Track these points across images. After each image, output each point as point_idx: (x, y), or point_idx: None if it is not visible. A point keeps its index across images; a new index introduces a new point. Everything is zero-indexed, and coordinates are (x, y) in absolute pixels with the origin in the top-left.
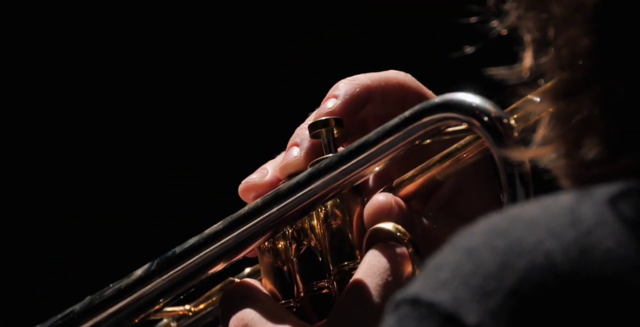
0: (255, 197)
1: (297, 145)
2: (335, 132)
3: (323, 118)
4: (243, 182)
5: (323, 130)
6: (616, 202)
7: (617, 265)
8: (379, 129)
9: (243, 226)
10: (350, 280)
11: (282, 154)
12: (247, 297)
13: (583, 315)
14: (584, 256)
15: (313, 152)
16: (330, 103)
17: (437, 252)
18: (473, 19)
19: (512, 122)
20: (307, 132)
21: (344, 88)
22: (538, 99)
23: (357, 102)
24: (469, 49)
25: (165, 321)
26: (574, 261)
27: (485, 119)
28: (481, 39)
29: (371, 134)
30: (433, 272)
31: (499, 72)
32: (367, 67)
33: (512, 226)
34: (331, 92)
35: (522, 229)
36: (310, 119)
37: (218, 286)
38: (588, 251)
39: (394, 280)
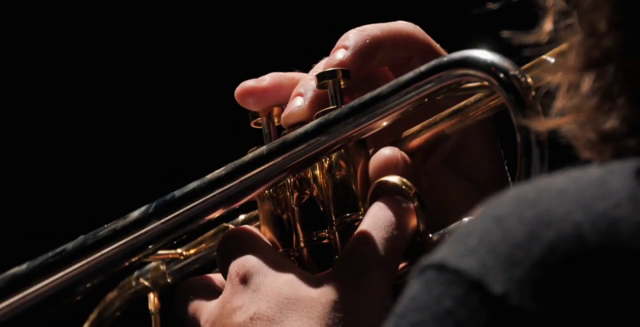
0: (255, 103)
1: (301, 95)
2: (342, 83)
3: (331, 69)
4: (239, 86)
5: (330, 81)
6: None
7: None
8: (393, 82)
9: (246, 173)
10: (355, 231)
11: (283, 73)
12: (247, 244)
13: (609, 287)
14: (613, 228)
15: (317, 103)
16: (340, 54)
17: (466, 221)
18: None
19: (530, 80)
20: (312, 82)
21: (353, 39)
22: (552, 60)
23: (367, 53)
24: (492, 5)
25: (154, 263)
26: (602, 233)
27: (503, 76)
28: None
29: (384, 87)
30: (460, 239)
31: (516, 35)
32: (378, 18)
33: (541, 197)
34: (340, 42)
35: (551, 199)
36: (315, 70)
37: (211, 232)
38: (617, 224)
39: (399, 234)
